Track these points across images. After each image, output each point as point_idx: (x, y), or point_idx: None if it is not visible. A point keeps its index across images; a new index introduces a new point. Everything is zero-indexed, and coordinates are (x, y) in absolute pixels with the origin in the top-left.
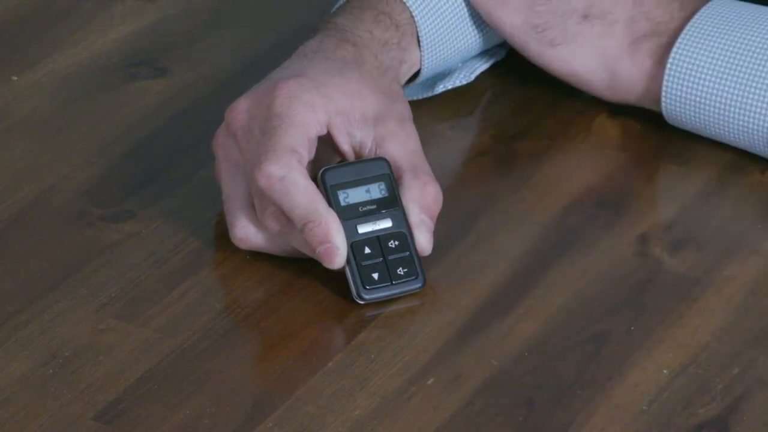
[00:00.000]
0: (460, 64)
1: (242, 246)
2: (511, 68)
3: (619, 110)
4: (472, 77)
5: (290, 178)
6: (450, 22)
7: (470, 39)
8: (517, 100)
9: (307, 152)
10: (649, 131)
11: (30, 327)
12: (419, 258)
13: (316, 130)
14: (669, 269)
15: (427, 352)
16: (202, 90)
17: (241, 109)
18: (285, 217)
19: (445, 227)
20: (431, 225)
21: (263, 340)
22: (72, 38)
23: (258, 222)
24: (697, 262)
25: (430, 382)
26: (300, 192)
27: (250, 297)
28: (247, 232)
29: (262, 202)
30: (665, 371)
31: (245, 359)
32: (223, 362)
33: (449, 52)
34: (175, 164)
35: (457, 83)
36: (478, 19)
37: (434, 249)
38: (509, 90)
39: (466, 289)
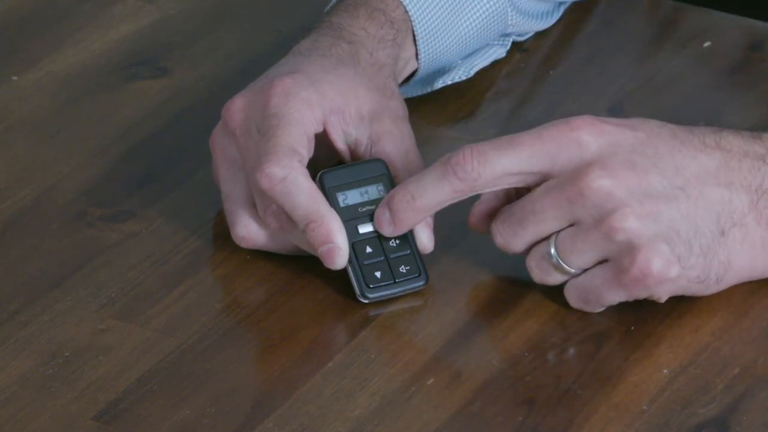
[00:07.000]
0: (458, 61)
1: (244, 245)
2: (512, 67)
3: (618, 110)
4: (472, 73)
5: (292, 179)
6: (445, 17)
7: (466, 34)
8: (517, 99)
9: (306, 151)
10: None
11: (30, 327)
12: (421, 256)
13: (314, 127)
14: None
15: (427, 352)
16: (202, 90)
17: (237, 107)
18: (287, 215)
19: (445, 227)
20: (431, 222)
21: (263, 340)
22: (72, 38)
23: (260, 220)
24: None
25: (430, 382)
26: (302, 192)
27: (250, 297)
28: (249, 231)
29: (263, 201)
30: (665, 371)
31: (245, 359)
32: (223, 362)
33: (445, 47)
34: (175, 164)
35: (457, 78)
36: (473, 14)
37: (434, 249)
38: (510, 89)
39: (466, 289)
